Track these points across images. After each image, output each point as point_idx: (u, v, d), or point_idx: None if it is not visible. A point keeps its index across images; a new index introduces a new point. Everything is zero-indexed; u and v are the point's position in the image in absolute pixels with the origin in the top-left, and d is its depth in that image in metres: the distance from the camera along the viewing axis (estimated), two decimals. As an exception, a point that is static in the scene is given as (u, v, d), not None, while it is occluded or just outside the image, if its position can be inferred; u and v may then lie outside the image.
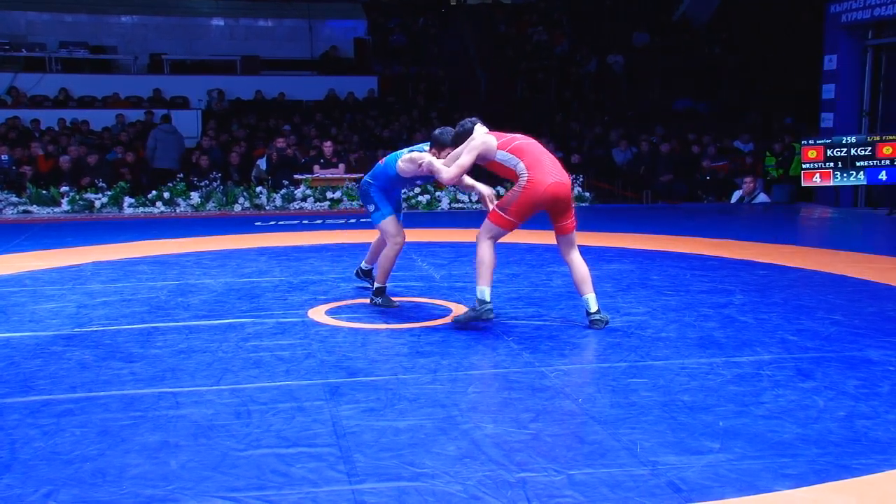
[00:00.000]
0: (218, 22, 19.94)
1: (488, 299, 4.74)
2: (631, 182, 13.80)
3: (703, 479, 2.81)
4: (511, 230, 4.79)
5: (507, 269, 6.77)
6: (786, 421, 3.34)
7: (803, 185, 11.76)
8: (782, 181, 12.69)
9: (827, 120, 12.87)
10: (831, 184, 11.62)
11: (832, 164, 11.43)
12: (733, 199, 12.31)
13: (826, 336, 4.66)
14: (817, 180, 11.58)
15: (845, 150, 11.34)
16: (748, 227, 10.03)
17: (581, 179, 12.67)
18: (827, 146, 11.49)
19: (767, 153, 13.26)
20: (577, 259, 4.85)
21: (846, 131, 12.24)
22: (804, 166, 11.63)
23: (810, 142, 11.70)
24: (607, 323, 4.85)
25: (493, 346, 4.56)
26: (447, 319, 5.13)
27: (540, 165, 4.66)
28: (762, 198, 12.10)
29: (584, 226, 9.92)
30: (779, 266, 6.87)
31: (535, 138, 4.99)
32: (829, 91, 12.84)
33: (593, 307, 4.81)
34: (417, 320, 5.14)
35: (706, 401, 3.58)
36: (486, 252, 4.73)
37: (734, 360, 4.20)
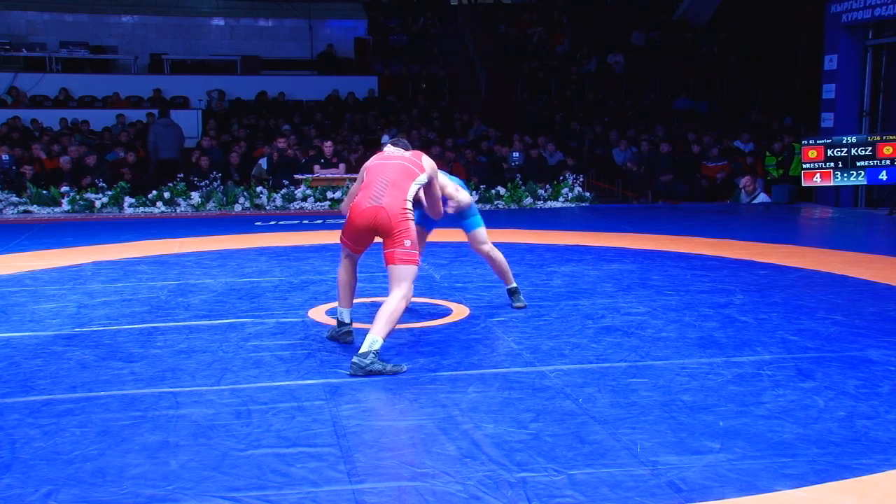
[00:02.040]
0: (218, 22, 19.94)
1: (347, 320, 4.53)
2: (631, 182, 13.80)
3: (703, 479, 2.81)
4: (353, 252, 4.48)
5: (508, 268, 6.77)
6: (786, 421, 3.34)
7: (804, 184, 11.75)
8: (782, 181, 12.69)
9: (827, 120, 12.86)
10: (832, 184, 11.61)
11: (832, 164, 11.42)
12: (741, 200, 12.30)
13: (826, 336, 4.66)
14: (818, 180, 11.58)
15: (846, 149, 11.34)
16: (748, 227, 10.03)
17: (581, 179, 12.68)
18: (827, 146, 11.49)
19: (767, 153, 13.25)
20: (391, 296, 4.13)
21: (846, 131, 12.24)
22: (804, 166, 11.62)
23: (811, 142, 11.69)
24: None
25: (494, 346, 4.56)
26: (448, 319, 5.13)
27: (367, 188, 4.31)
28: (762, 198, 12.10)
29: (584, 226, 9.98)
30: (779, 266, 6.86)
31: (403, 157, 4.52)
32: (829, 91, 12.83)
33: (364, 347, 4.01)
34: (418, 320, 5.14)
35: (706, 401, 3.58)
36: (339, 272, 4.55)
37: (734, 360, 4.20)
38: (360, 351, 4.00)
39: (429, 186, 4.55)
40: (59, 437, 3.21)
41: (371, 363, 3.96)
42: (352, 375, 3.96)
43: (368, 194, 4.27)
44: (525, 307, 5.39)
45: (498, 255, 5.41)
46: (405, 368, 4.03)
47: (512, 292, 5.48)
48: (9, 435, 3.24)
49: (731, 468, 2.89)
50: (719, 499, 2.67)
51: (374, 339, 4.00)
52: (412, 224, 4.23)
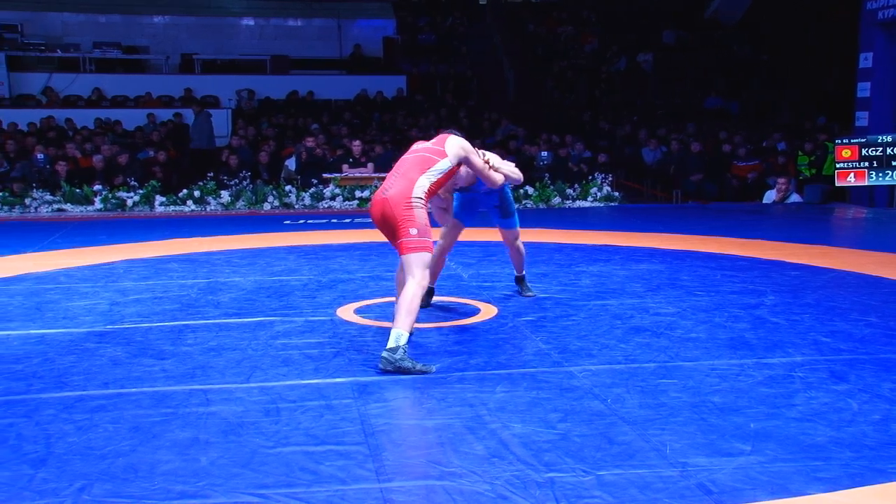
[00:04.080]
0: (248, 22, 20.10)
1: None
2: (660, 181, 13.69)
3: (733, 482, 2.78)
4: (395, 247, 4.32)
5: (536, 268, 6.74)
6: (819, 423, 3.30)
7: (837, 184, 11.59)
8: (815, 181, 12.52)
9: (862, 119, 12.66)
10: (866, 183, 11.44)
11: (867, 164, 11.25)
12: (765, 200, 12.16)
13: (860, 338, 4.59)
14: (851, 180, 11.41)
15: (881, 149, 11.16)
16: (779, 227, 9.91)
17: (610, 179, 12.61)
18: (862, 145, 11.32)
19: (800, 152, 13.09)
20: (406, 285, 4.08)
21: (881, 130, 12.03)
22: (838, 166, 11.46)
23: (844, 141, 11.53)
24: (400, 370, 3.93)
25: (522, 345, 4.55)
26: (475, 319, 5.13)
27: (387, 180, 4.36)
28: (794, 197, 11.95)
29: (613, 225, 9.92)
30: (811, 267, 6.78)
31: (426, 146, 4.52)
32: (864, 89, 12.63)
33: (391, 342, 3.96)
34: (446, 319, 5.14)
35: (737, 402, 3.55)
36: (397, 271, 4.52)
37: (765, 361, 4.15)
38: (388, 346, 3.97)
39: (469, 164, 4.58)
40: (92, 433, 3.25)
41: (401, 359, 3.94)
42: (381, 370, 3.97)
43: (381, 187, 4.36)
44: (533, 297, 5.67)
45: (522, 248, 5.72)
46: (434, 369, 4.02)
47: (519, 280, 5.81)
48: (44, 430, 3.29)
49: (763, 470, 2.86)
50: (750, 501, 2.64)
51: (399, 333, 3.97)
52: (418, 212, 4.17)
